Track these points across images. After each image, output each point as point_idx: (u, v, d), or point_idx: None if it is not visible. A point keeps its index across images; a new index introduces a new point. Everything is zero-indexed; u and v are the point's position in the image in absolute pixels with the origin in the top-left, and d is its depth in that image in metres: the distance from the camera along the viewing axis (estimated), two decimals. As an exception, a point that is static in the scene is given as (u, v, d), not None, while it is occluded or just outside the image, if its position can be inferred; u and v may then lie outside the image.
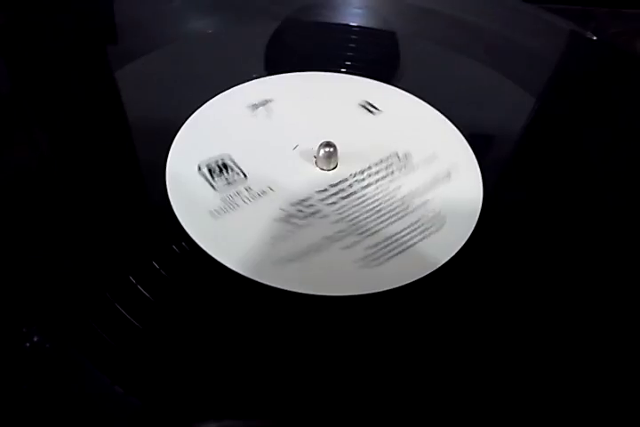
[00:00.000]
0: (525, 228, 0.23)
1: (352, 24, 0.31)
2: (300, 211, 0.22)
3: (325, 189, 0.23)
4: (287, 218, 0.21)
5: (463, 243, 0.21)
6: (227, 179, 0.23)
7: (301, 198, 0.22)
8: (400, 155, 0.24)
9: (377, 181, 0.23)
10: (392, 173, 0.24)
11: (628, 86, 0.29)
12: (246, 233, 0.21)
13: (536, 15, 0.32)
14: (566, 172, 0.25)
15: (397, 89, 0.27)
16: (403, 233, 0.21)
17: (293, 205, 0.22)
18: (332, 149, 0.23)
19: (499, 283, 0.21)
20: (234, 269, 0.20)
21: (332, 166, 0.23)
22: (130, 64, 0.27)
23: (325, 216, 0.22)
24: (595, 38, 0.30)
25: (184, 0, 0.32)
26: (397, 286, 0.19)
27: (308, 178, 0.23)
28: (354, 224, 0.21)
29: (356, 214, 0.22)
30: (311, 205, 0.22)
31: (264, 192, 0.22)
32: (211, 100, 0.26)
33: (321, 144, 0.23)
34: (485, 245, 0.21)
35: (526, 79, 0.29)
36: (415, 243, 0.21)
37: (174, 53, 0.29)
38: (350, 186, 0.23)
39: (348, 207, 0.22)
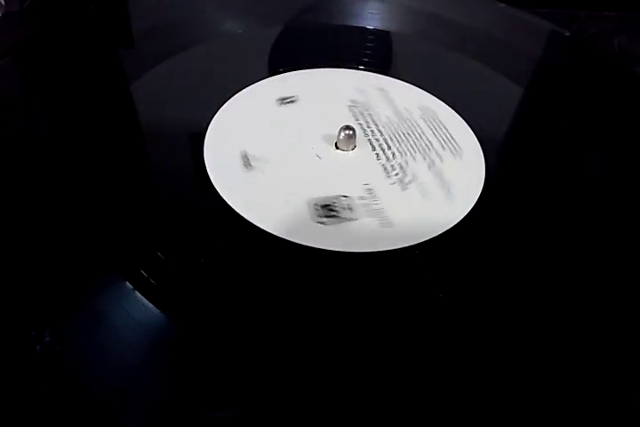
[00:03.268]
0: (524, 201, 0.26)
1: (357, 26, 0.35)
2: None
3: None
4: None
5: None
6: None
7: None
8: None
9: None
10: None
11: (604, 79, 0.33)
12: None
13: (525, 19, 0.36)
14: (553, 153, 0.29)
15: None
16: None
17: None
18: (351, 132, 0.26)
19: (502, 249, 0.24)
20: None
21: (350, 148, 0.27)
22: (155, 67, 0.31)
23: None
24: (571, 36, 0.34)
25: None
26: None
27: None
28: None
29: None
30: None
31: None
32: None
33: (341, 128, 0.26)
34: (485, 219, 0.25)
35: (519, 76, 0.33)
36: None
37: (196, 55, 0.32)
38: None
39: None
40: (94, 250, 0.22)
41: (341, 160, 0.26)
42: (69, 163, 0.25)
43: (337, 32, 0.34)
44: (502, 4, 0.35)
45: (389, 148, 0.27)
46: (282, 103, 0.29)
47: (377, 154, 0.27)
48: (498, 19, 0.36)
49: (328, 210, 0.24)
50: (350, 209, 0.24)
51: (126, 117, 0.28)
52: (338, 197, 0.25)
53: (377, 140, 0.28)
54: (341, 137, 0.26)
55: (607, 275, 0.23)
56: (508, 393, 0.19)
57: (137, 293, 0.20)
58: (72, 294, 0.20)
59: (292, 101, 0.29)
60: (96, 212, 0.23)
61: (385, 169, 0.26)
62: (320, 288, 0.22)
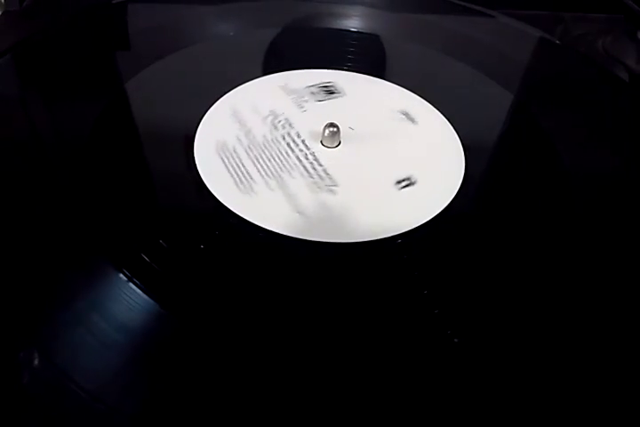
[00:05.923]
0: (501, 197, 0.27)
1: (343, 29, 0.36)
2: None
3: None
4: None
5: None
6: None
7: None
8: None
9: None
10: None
11: (587, 83, 0.34)
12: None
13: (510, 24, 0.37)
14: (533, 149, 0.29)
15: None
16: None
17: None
18: (335, 129, 0.27)
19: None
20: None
21: (335, 144, 0.28)
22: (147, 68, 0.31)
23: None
24: (559, 42, 0.35)
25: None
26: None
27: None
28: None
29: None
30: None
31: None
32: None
33: (325, 125, 0.27)
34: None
35: (509, 81, 0.33)
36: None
37: (191, 55, 0.33)
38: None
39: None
40: (90, 246, 0.22)
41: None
42: (64, 162, 0.26)
43: (326, 35, 0.35)
44: (490, 10, 0.36)
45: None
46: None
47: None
48: (484, 24, 0.36)
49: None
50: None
51: (120, 117, 0.29)
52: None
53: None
54: (326, 134, 0.27)
55: (593, 266, 0.24)
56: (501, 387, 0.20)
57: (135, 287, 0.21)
58: (66, 288, 0.21)
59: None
60: (92, 209, 0.24)
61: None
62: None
